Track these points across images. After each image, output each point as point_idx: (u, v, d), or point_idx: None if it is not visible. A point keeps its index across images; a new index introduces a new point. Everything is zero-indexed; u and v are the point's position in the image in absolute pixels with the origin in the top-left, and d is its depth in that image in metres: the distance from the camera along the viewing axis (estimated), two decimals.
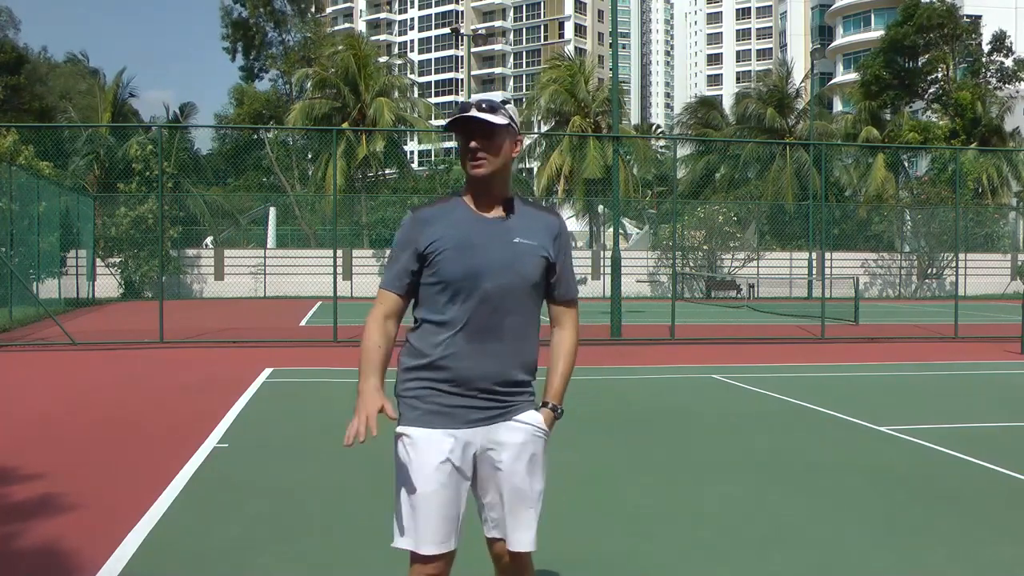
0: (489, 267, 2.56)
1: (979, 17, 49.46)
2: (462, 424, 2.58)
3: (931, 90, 44.09)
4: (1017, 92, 43.90)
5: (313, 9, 55.16)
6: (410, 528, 2.56)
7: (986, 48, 44.72)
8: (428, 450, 2.55)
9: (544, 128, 42.45)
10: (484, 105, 2.57)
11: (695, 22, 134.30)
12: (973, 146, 39.32)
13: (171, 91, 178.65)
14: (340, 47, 38.96)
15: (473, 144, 2.57)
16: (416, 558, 2.59)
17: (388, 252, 2.67)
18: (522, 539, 2.63)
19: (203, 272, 31.99)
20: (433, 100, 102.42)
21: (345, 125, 35.40)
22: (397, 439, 2.63)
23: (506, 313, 2.59)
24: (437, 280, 2.57)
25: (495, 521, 2.64)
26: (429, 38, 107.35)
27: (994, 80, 43.99)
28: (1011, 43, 44.61)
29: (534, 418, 2.67)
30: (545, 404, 2.72)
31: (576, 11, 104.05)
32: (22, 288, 17.48)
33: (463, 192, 2.68)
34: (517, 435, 2.62)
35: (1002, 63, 44.24)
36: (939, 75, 43.54)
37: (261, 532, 4.66)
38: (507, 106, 2.62)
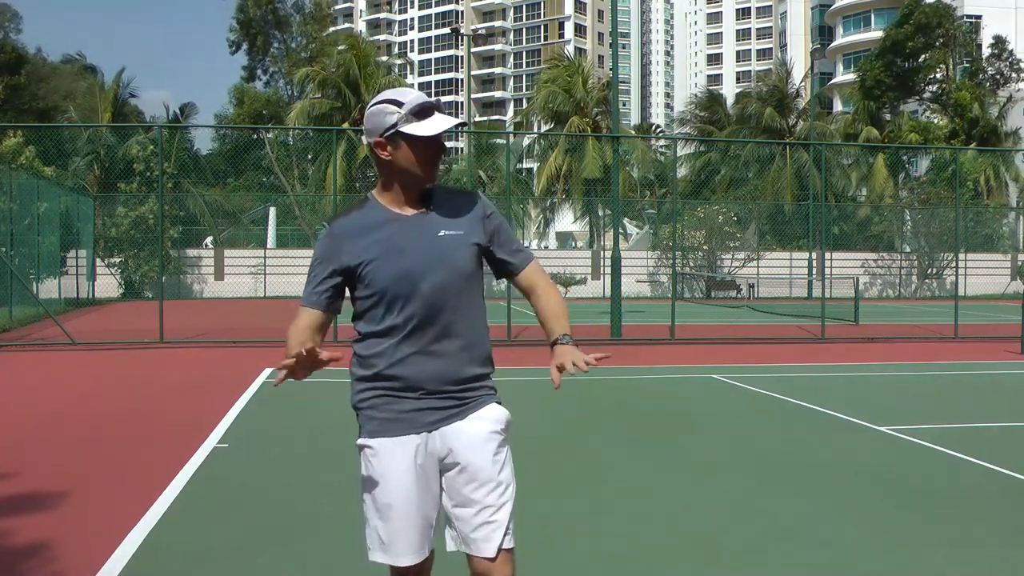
0: (420, 267, 2.47)
1: (979, 17, 49.47)
2: (421, 428, 2.51)
3: (931, 89, 44.12)
4: (1018, 91, 43.94)
5: (315, 10, 55.26)
6: (385, 541, 2.50)
7: (986, 52, 44.77)
8: (391, 459, 2.49)
9: (543, 128, 42.46)
10: (442, 106, 2.57)
11: (695, 22, 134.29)
12: (973, 146, 39.34)
13: (171, 91, 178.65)
14: (341, 46, 38.96)
15: (443, 150, 2.53)
16: (395, 570, 2.56)
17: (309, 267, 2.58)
18: (493, 540, 2.46)
19: (203, 272, 31.99)
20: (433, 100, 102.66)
21: (345, 125, 35.40)
22: (360, 452, 2.58)
23: (447, 310, 2.51)
24: (371, 292, 2.49)
25: (462, 531, 2.50)
26: (429, 38, 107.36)
27: (989, 83, 44.05)
28: (1011, 48, 44.67)
29: (494, 413, 2.57)
30: (558, 341, 2.55)
31: (576, 11, 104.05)
32: (22, 288, 17.48)
33: (378, 190, 2.57)
34: (477, 431, 2.52)
35: (1001, 70, 44.30)
36: (938, 75, 43.57)
37: (261, 532, 4.66)
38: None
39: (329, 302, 2.56)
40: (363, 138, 2.61)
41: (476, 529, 2.47)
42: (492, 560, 2.46)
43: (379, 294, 2.48)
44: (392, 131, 2.46)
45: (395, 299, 2.48)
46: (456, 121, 2.51)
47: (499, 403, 2.62)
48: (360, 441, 2.56)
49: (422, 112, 2.46)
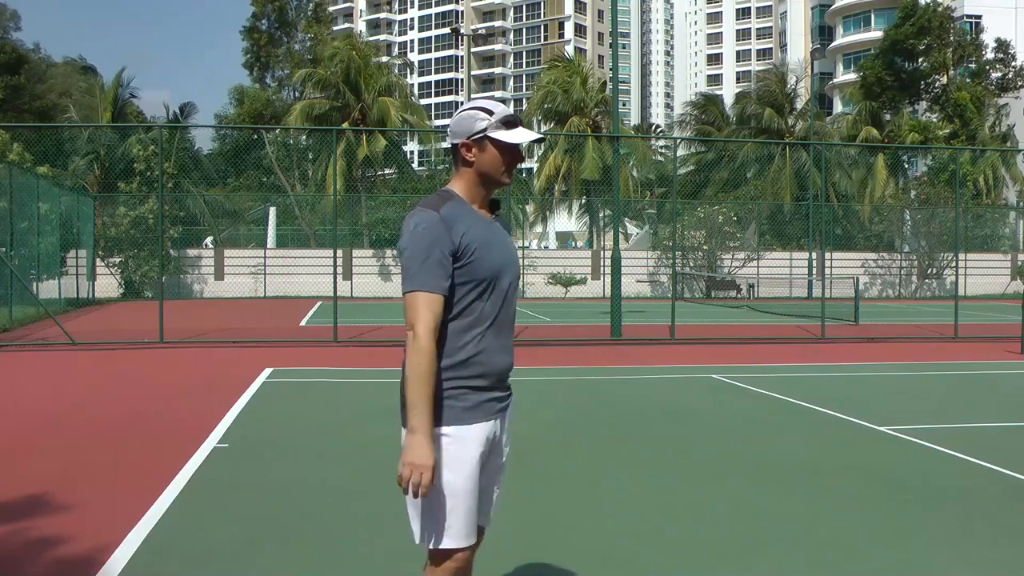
0: (505, 264, 2.69)
1: (979, 17, 49.50)
2: (491, 416, 2.70)
3: (933, 89, 44.15)
4: (1017, 96, 44.01)
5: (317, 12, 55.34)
6: (452, 526, 2.61)
7: (990, 55, 44.80)
8: (469, 446, 2.63)
9: (542, 128, 42.47)
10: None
11: (695, 22, 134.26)
12: (972, 146, 39.36)
13: (170, 91, 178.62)
14: (338, 45, 38.92)
15: (521, 159, 2.75)
16: (448, 553, 2.64)
17: (406, 255, 2.56)
18: (488, 515, 2.81)
19: (203, 272, 31.98)
20: (433, 100, 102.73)
21: (345, 125, 35.40)
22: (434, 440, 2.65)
23: (512, 307, 2.77)
24: (468, 279, 2.61)
25: (483, 508, 2.76)
26: (429, 38, 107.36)
27: (994, 87, 44.09)
28: (1014, 51, 44.73)
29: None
30: None
31: (576, 11, 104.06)
32: (22, 288, 17.48)
33: (460, 190, 2.70)
34: (508, 420, 2.83)
35: (1004, 73, 44.36)
36: (938, 77, 43.62)
37: (261, 532, 4.66)
38: None
39: (449, 288, 2.61)
40: (447, 139, 2.79)
41: (492, 505, 2.82)
42: (482, 529, 2.81)
43: (475, 282, 2.62)
44: (480, 135, 2.67)
45: (486, 289, 2.65)
46: (537, 135, 2.79)
47: None
48: (438, 430, 2.61)
49: (510, 123, 2.69)
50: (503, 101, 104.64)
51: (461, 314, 2.63)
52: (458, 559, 2.65)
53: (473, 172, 2.68)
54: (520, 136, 2.69)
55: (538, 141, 2.78)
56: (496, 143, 2.66)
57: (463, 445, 2.62)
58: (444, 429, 2.62)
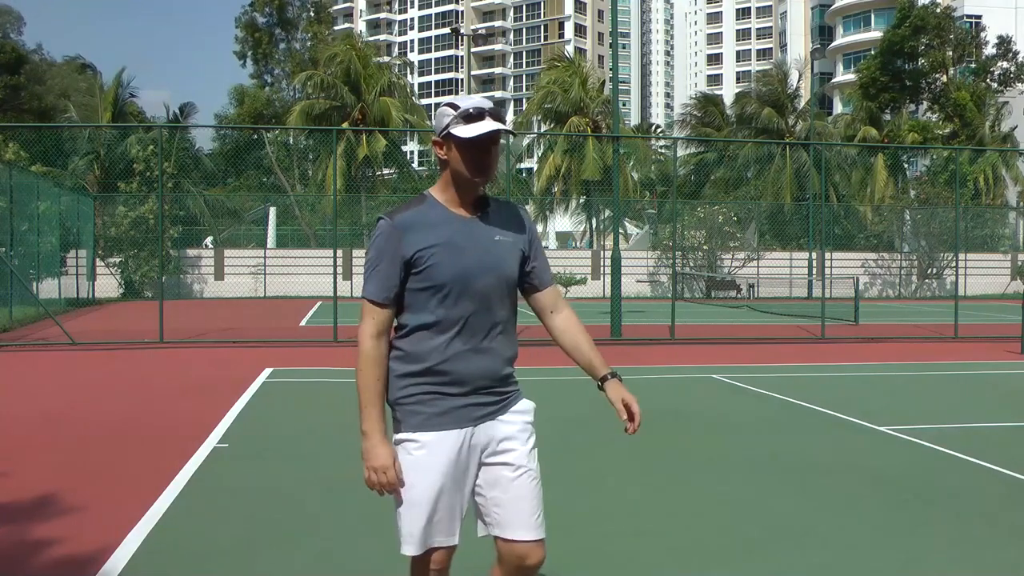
0: (477, 267, 2.58)
1: (979, 17, 49.51)
2: (467, 423, 2.62)
3: (932, 89, 44.14)
4: (1019, 93, 43.99)
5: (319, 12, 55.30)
6: (422, 531, 2.58)
7: (992, 51, 44.80)
8: (438, 452, 2.58)
9: (542, 128, 42.45)
10: (501, 113, 2.62)
11: (695, 22, 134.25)
12: (972, 146, 39.34)
13: (170, 91, 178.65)
14: (337, 44, 38.91)
15: (490, 154, 2.59)
16: (421, 563, 2.64)
17: (365, 262, 2.62)
18: (533, 527, 2.64)
19: (203, 272, 31.97)
20: (433, 100, 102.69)
21: (345, 125, 35.38)
22: (398, 445, 2.62)
23: (494, 311, 2.64)
24: (428, 284, 2.56)
25: (499, 517, 2.64)
26: (429, 38, 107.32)
27: (995, 84, 44.07)
28: (1016, 48, 44.74)
29: (525, 405, 2.76)
30: (607, 377, 2.81)
31: (576, 11, 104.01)
32: (22, 288, 17.48)
33: (436, 191, 2.67)
34: (517, 425, 2.70)
35: (1007, 69, 44.35)
36: (938, 76, 43.61)
37: (261, 532, 4.66)
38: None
39: (397, 297, 2.61)
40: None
41: (514, 514, 2.63)
42: (529, 543, 2.63)
43: (435, 287, 2.56)
44: (445, 132, 2.59)
45: (449, 294, 2.57)
46: (495, 127, 2.55)
47: (526, 398, 2.81)
48: (401, 435, 2.62)
49: (471, 116, 2.55)
50: (503, 101, 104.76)
51: (422, 319, 2.58)
52: (434, 560, 2.63)
53: (448, 171, 2.62)
54: (474, 130, 2.53)
55: (507, 132, 2.61)
56: (455, 139, 2.56)
57: (426, 451, 2.57)
58: (407, 434, 2.60)
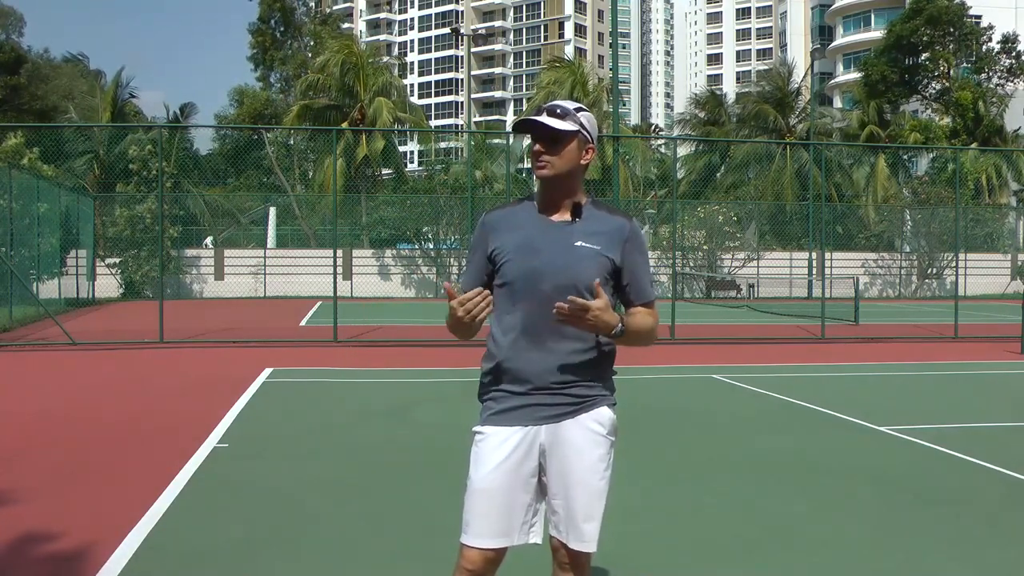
0: (547, 269, 2.62)
1: (979, 17, 49.53)
2: (530, 421, 2.65)
3: (933, 87, 44.17)
4: (1016, 89, 44.00)
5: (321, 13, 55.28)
6: (469, 522, 2.63)
7: (995, 47, 44.85)
8: (494, 446, 2.64)
9: None
10: (558, 111, 2.65)
11: (695, 22, 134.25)
12: (974, 146, 39.33)
13: (170, 91, 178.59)
14: (335, 50, 38.85)
15: (537, 147, 2.65)
16: (466, 558, 2.65)
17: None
18: (582, 536, 2.64)
19: (203, 272, 31.97)
20: (433, 100, 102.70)
21: (344, 125, 35.37)
22: (472, 437, 2.74)
23: None
24: (502, 282, 2.68)
25: (557, 519, 2.67)
26: (429, 38, 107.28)
27: (996, 79, 44.10)
28: (1020, 46, 44.83)
29: (601, 416, 2.68)
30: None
31: (576, 11, 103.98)
32: (22, 288, 17.47)
33: (537, 193, 2.76)
34: (582, 433, 2.65)
35: (1010, 64, 44.41)
36: (940, 71, 43.63)
37: (261, 532, 4.66)
38: (581, 113, 2.68)
39: (483, 285, 2.71)
40: None
41: (569, 523, 2.63)
42: (577, 553, 2.66)
43: (507, 285, 2.66)
44: None
45: (519, 293, 2.64)
46: (532, 120, 2.62)
47: (612, 406, 2.73)
48: (474, 428, 2.73)
49: (536, 112, 2.68)
50: (503, 101, 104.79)
51: (499, 317, 2.69)
52: (466, 558, 2.62)
53: None
54: (516, 127, 2.74)
55: (515, 130, 2.78)
56: None
57: (486, 443, 2.65)
58: (476, 427, 2.71)
